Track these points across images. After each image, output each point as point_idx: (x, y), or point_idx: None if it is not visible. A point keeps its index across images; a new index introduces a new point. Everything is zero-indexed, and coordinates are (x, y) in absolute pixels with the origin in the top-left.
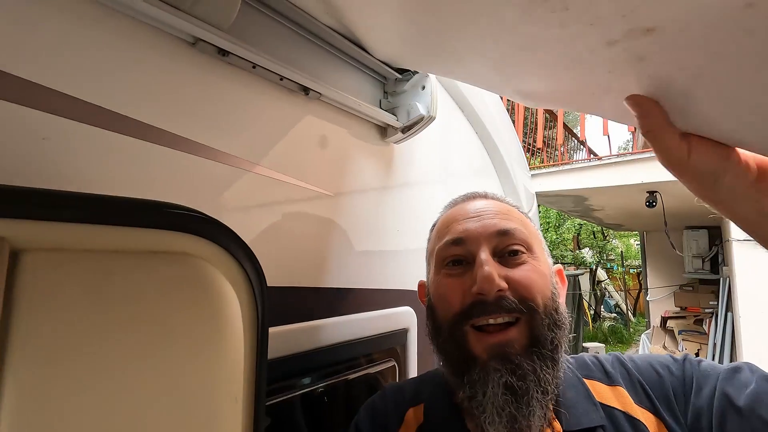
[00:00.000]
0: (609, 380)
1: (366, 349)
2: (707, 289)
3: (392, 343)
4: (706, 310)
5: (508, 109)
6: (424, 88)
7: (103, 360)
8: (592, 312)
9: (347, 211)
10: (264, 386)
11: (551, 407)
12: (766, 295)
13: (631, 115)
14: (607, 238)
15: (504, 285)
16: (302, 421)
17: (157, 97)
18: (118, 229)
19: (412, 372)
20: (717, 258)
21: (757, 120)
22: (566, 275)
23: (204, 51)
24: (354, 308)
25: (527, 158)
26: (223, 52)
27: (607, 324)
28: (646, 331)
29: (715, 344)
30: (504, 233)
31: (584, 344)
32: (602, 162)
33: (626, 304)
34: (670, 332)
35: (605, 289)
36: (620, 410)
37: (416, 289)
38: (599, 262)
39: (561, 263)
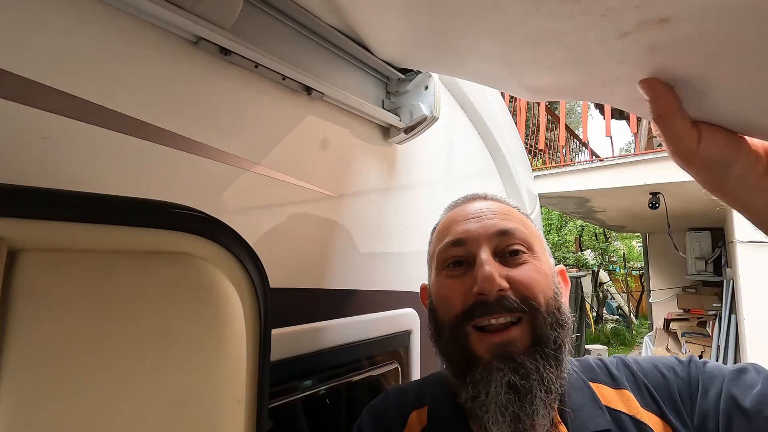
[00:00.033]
0: (614, 383)
1: (369, 351)
2: (710, 291)
3: (395, 345)
4: (710, 313)
5: (509, 111)
6: (427, 88)
7: (103, 362)
8: (595, 314)
9: (350, 212)
10: (267, 389)
11: (556, 408)
12: None
13: (641, 104)
14: (610, 239)
15: (505, 285)
16: (304, 424)
17: (158, 97)
18: (118, 229)
19: (415, 374)
20: (720, 260)
21: None
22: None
23: (206, 50)
24: (356, 310)
25: (529, 160)
26: (225, 52)
27: (609, 326)
28: (649, 334)
29: (718, 347)
30: (504, 233)
31: (587, 346)
32: (604, 163)
33: (629, 307)
34: (673, 334)
35: (607, 291)
36: (627, 414)
37: (419, 290)
38: (601, 264)
39: (563, 265)
